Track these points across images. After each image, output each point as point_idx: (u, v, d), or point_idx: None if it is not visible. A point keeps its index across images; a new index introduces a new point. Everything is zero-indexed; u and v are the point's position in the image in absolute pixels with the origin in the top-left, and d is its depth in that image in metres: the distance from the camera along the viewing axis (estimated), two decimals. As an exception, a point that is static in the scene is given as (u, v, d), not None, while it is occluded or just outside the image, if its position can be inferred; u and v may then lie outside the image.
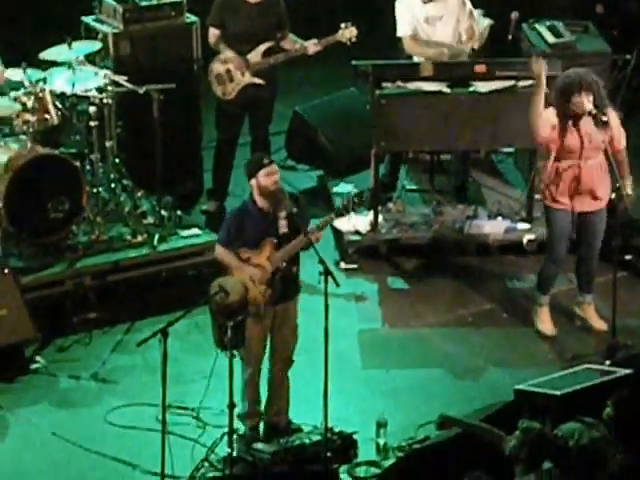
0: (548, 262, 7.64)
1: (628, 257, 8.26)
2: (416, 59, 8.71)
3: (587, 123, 7.35)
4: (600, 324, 7.71)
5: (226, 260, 6.68)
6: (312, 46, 8.60)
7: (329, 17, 9.42)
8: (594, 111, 7.28)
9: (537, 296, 7.74)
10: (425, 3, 8.60)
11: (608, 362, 7.13)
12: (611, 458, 5.44)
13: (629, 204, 7.48)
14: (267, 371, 6.81)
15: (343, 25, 8.56)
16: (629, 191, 7.45)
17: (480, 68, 8.44)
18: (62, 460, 6.72)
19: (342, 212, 6.83)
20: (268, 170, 6.61)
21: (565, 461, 5.43)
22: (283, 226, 6.62)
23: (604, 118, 7.29)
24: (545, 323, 7.72)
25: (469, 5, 8.69)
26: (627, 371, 6.62)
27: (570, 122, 7.33)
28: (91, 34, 8.75)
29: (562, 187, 7.42)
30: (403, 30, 8.66)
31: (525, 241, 8.49)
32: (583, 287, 7.74)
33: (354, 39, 8.55)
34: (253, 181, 6.64)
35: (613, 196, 7.47)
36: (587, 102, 7.28)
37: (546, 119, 7.36)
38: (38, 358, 7.45)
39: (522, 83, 8.35)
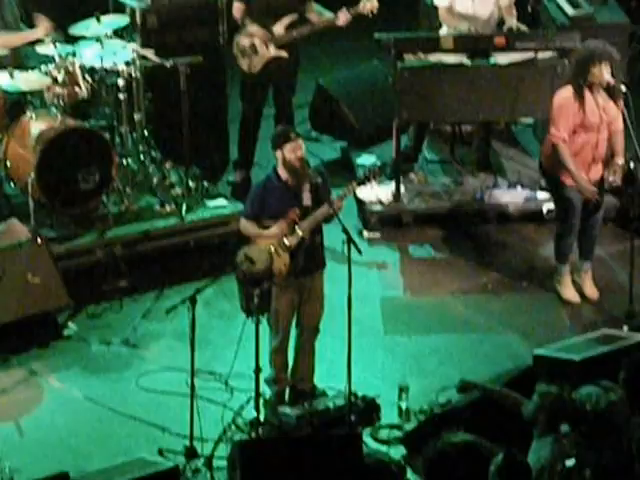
0: (562, 233, 7.75)
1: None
2: (445, 30, 8.78)
3: (602, 96, 7.43)
4: (592, 292, 7.81)
5: (250, 231, 6.76)
6: (342, 15, 8.62)
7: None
8: (612, 82, 7.36)
9: (557, 266, 7.84)
10: None
11: (626, 328, 7.27)
12: (628, 421, 5.54)
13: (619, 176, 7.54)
14: (294, 339, 6.92)
15: (364, -4, 8.63)
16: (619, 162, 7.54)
17: (500, 40, 8.47)
18: (94, 423, 6.85)
19: (363, 181, 6.82)
20: (294, 145, 6.66)
21: (583, 424, 5.50)
22: (307, 198, 6.69)
23: (622, 88, 7.36)
24: (569, 291, 7.81)
25: None
26: (645, 337, 6.74)
27: (587, 97, 7.39)
28: (119, 9, 8.86)
29: (578, 161, 7.51)
30: (441, 1, 8.69)
31: (545, 210, 8.60)
32: (583, 254, 7.83)
33: (375, 11, 8.63)
34: (278, 153, 6.70)
35: (632, 165, 7.58)
36: (606, 72, 7.35)
37: (566, 110, 7.36)
38: (70, 324, 7.60)
39: (541, 55, 8.42)
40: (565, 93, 7.46)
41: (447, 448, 5.07)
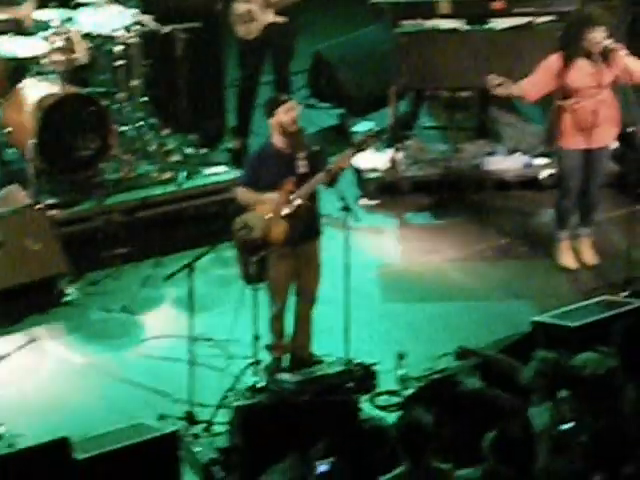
0: (561, 197, 7.76)
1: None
2: None
3: (598, 60, 7.39)
4: (591, 258, 7.81)
5: (247, 198, 6.76)
6: None
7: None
8: (610, 46, 7.31)
9: (556, 231, 7.88)
10: None
11: (624, 294, 7.29)
12: (624, 386, 5.57)
13: None
14: (293, 306, 6.94)
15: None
16: None
17: (498, 5, 8.46)
18: (94, 389, 6.88)
19: (360, 147, 6.75)
20: (287, 106, 6.65)
21: (581, 390, 5.53)
22: (303, 166, 6.66)
23: (620, 52, 7.34)
24: (566, 256, 7.82)
25: None
26: (644, 302, 6.76)
27: (581, 60, 7.38)
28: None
29: (574, 126, 7.51)
30: None
31: (543, 176, 8.59)
32: (582, 220, 7.84)
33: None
34: (273, 120, 6.70)
35: (629, 130, 7.58)
36: (602, 37, 7.32)
37: (535, 82, 7.41)
38: (70, 291, 7.62)
39: (539, 20, 8.40)
40: (553, 56, 7.46)
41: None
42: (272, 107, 6.73)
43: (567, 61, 7.40)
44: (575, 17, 7.49)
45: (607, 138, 7.64)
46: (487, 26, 8.50)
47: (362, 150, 6.79)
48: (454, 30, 8.49)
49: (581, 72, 7.42)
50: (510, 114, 9.26)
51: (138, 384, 6.88)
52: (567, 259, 7.84)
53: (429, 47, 8.47)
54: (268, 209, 6.68)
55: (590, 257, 7.86)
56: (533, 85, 7.50)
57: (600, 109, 7.48)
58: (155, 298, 7.64)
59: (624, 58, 7.37)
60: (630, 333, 5.64)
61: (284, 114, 6.66)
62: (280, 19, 8.71)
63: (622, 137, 8.03)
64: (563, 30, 7.54)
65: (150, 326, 7.42)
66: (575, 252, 7.89)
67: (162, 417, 6.57)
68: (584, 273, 7.82)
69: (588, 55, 7.38)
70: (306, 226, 6.74)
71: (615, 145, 8.23)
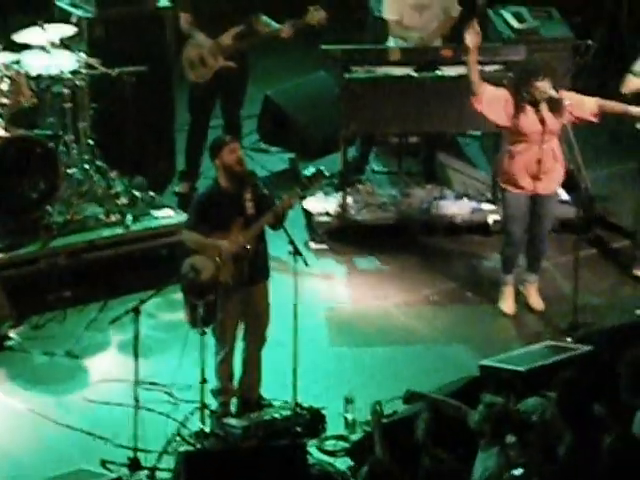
0: (505, 244, 7.83)
1: (590, 234, 8.47)
2: (393, 42, 8.84)
3: (544, 108, 7.52)
4: (538, 303, 7.87)
5: (194, 240, 6.73)
6: (286, 29, 8.64)
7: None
8: (556, 95, 7.44)
9: (501, 276, 7.92)
10: None
11: (570, 339, 7.33)
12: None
13: None
14: (240, 349, 6.90)
15: (312, 8, 8.63)
16: None
17: (447, 52, 8.57)
18: (36, 435, 6.79)
19: (307, 186, 6.72)
20: (230, 147, 6.67)
21: (528, 435, 5.56)
22: (250, 207, 6.67)
23: (566, 101, 7.46)
24: (507, 302, 7.88)
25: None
26: (588, 348, 6.80)
27: (529, 106, 7.50)
28: (65, 18, 8.82)
29: (521, 170, 7.59)
30: (390, 14, 8.80)
31: (491, 221, 8.66)
32: (530, 266, 7.91)
33: (323, 22, 8.66)
34: (217, 161, 6.70)
35: (577, 174, 7.68)
36: (548, 88, 7.45)
37: (493, 96, 7.49)
38: (13, 335, 7.53)
39: (488, 68, 8.48)
40: (505, 91, 7.54)
41: None
42: (216, 148, 6.75)
43: (516, 106, 7.49)
44: (523, 67, 7.59)
45: (553, 184, 7.73)
46: (436, 73, 8.58)
47: (308, 190, 6.79)
48: (403, 77, 8.56)
49: (529, 118, 7.54)
50: (458, 160, 9.36)
51: (81, 430, 6.80)
52: (507, 305, 7.88)
53: (378, 93, 8.54)
54: (215, 252, 6.65)
55: (536, 302, 7.91)
56: (493, 94, 7.50)
57: (547, 156, 7.58)
58: (100, 342, 7.58)
59: (571, 104, 7.46)
60: (569, 384, 5.65)
61: (228, 155, 6.67)
62: (231, 64, 8.74)
63: (568, 182, 8.13)
64: (512, 78, 7.61)
65: (95, 370, 7.35)
66: (522, 297, 7.93)
67: (105, 463, 6.48)
68: (530, 318, 7.87)
69: (535, 103, 7.50)
70: (254, 268, 6.73)
71: (561, 191, 8.35)
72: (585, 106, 7.55)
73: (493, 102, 7.52)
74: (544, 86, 7.44)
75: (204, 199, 6.81)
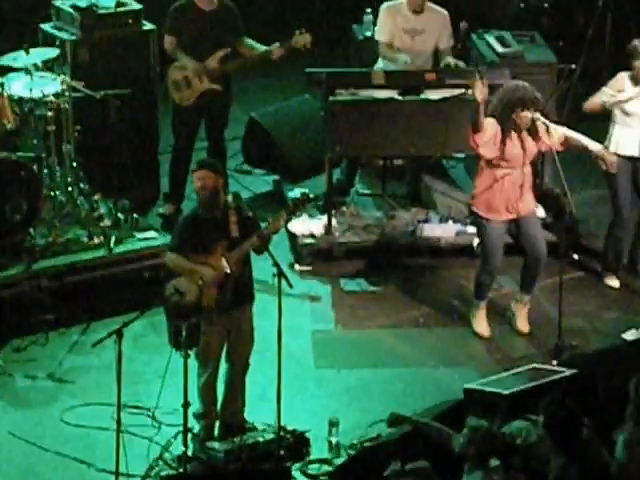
0: (483, 271, 7.82)
1: (575, 257, 8.47)
2: (382, 63, 8.86)
3: (525, 133, 7.58)
4: (525, 326, 7.86)
5: (177, 264, 6.71)
6: (276, 51, 8.64)
7: (282, 24, 9.55)
8: (539, 123, 7.48)
9: (474, 300, 7.91)
10: (415, 14, 8.73)
11: (555, 362, 7.32)
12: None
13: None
14: (224, 372, 6.86)
15: (297, 32, 8.66)
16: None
17: (430, 76, 8.60)
18: (18, 459, 6.75)
19: (293, 210, 6.74)
20: (196, 175, 6.72)
21: (512, 459, 5.56)
22: (234, 230, 6.65)
23: (550, 126, 7.49)
24: (481, 325, 7.87)
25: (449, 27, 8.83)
26: (573, 371, 6.80)
27: (513, 133, 7.55)
28: (49, 41, 8.81)
29: (502, 200, 7.61)
30: (382, 36, 8.82)
31: (475, 244, 8.65)
32: (524, 287, 7.89)
33: (308, 45, 8.67)
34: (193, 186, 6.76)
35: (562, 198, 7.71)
36: (530, 116, 7.49)
37: (489, 137, 7.51)
38: (-6, 358, 7.51)
39: (471, 91, 8.50)
40: (491, 120, 7.56)
41: None
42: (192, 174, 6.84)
43: (503, 135, 7.54)
44: (509, 98, 7.58)
45: (531, 204, 7.75)
46: (420, 96, 8.59)
47: (294, 214, 6.79)
48: (388, 100, 8.57)
49: (513, 144, 7.57)
50: (443, 182, 9.37)
51: (63, 454, 6.75)
52: (481, 327, 7.87)
53: (363, 116, 8.54)
54: (197, 277, 6.61)
55: (523, 325, 7.89)
56: (489, 136, 7.52)
57: (525, 180, 7.63)
58: (82, 365, 7.54)
59: (544, 133, 7.51)
60: (556, 407, 5.63)
61: (194, 182, 6.74)
62: (215, 86, 8.75)
63: (553, 207, 8.16)
64: (497, 107, 7.61)
65: (77, 394, 7.29)
66: (509, 317, 7.91)
67: (87, 487, 6.45)
68: (516, 341, 7.85)
69: (518, 129, 7.55)
70: (238, 291, 6.70)
71: (543, 214, 8.35)
72: (554, 136, 7.61)
73: (489, 143, 7.53)
74: (527, 116, 7.48)
75: (188, 221, 6.80)
